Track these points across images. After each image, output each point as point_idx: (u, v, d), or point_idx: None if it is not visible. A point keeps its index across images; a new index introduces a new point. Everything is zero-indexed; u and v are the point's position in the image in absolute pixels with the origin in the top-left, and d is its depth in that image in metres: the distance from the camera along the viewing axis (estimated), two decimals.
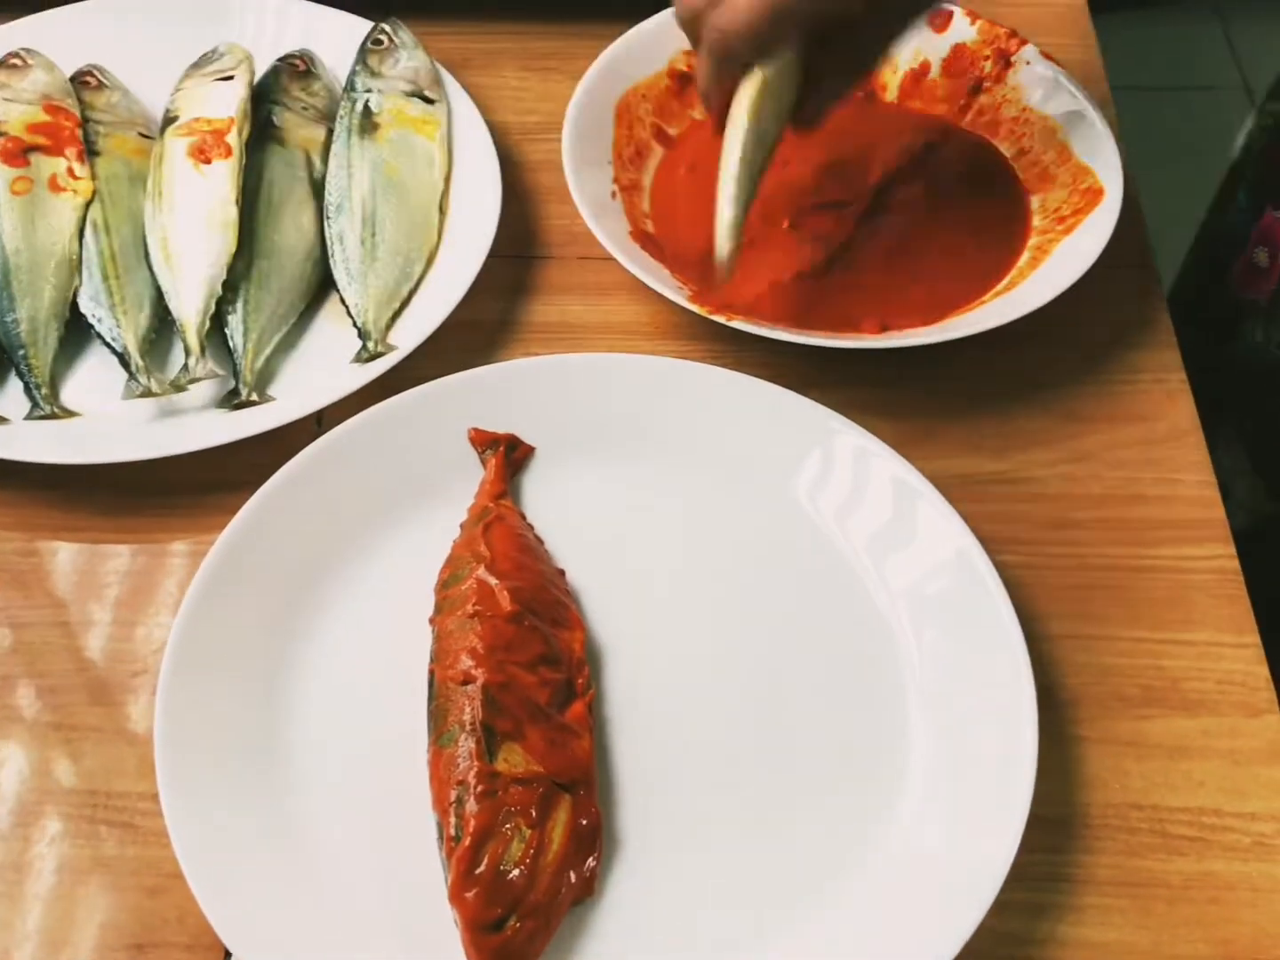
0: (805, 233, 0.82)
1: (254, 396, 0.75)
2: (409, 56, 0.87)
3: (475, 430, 0.73)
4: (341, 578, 0.70)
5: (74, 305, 0.78)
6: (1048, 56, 0.87)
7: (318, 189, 0.83)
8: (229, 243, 0.78)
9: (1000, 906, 0.58)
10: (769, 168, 0.75)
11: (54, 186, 0.81)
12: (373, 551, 0.71)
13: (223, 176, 0.80)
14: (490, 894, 0.57)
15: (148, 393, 0.74)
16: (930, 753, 0.64)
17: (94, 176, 0.82)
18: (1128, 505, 0.74)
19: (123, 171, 0.83)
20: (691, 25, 0.71)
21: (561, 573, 0.70)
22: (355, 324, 0.78)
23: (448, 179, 0.85)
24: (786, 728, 0.66)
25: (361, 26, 0.90)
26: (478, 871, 0.58)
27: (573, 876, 0.60)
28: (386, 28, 0.88)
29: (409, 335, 0.77)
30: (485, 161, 0.84)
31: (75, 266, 0.79)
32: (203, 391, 0.76)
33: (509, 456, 0.73)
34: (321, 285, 0.81)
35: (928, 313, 0.78)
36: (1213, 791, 0.65)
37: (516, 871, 0.58)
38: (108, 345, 0.77)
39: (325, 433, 0.71)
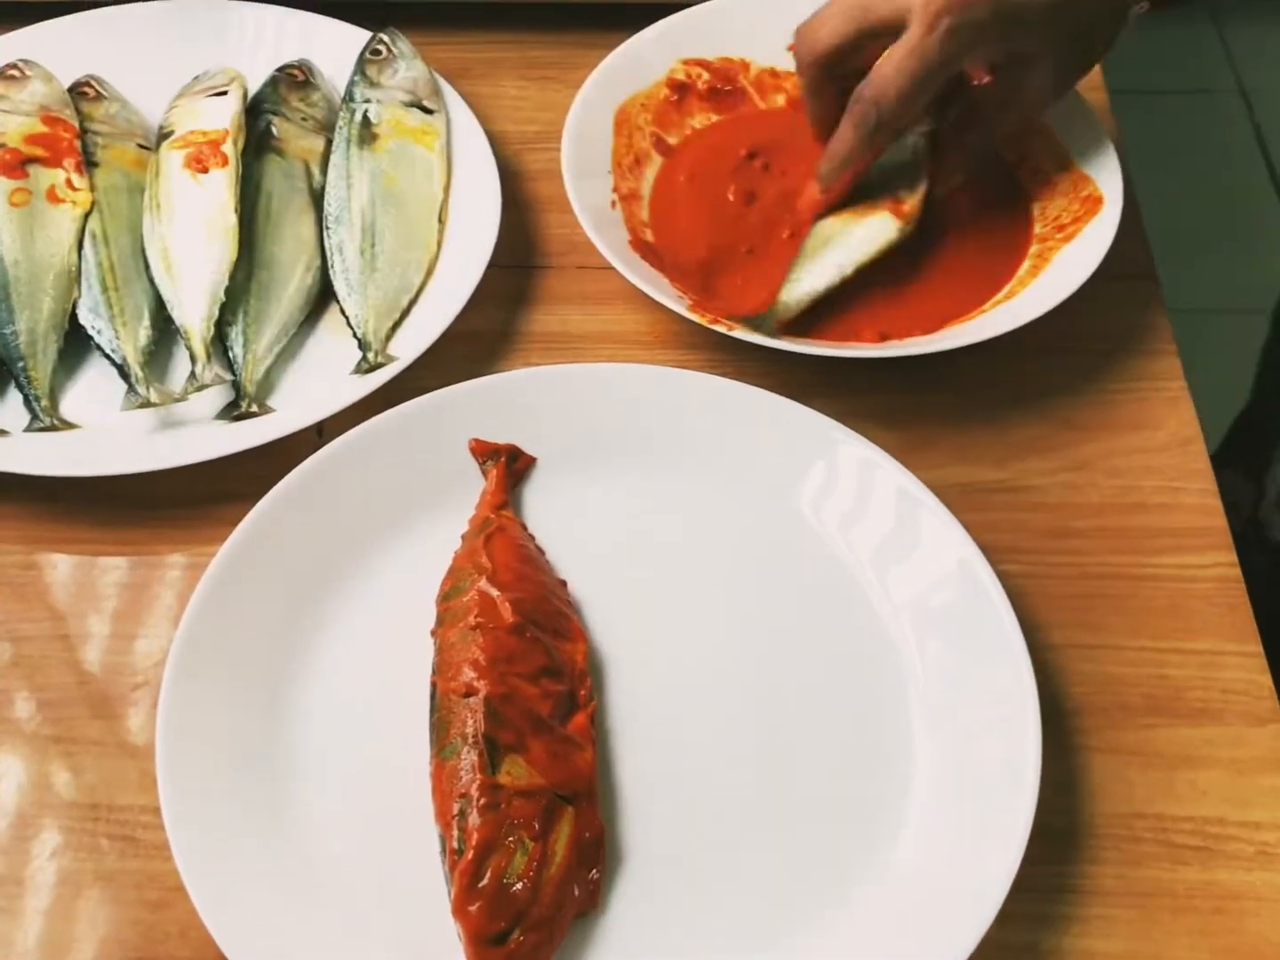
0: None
1: (254, 408, 0.75)
2: (407, 67, 0.87)
3: (476, 441, 0.73)
4: (343, 589, 0.69)
5: (73, 317, 0.78)
6: None
7: (317, 200, 0.83)
8: (229, 249, 0.78)
9: (1005, 917, 0.58)
10: None
11: (52, 198, 0.81)
12: (374, 563, 0.70)
13: (220, 185, 0.80)
14: (494, 907, 0.57)
15: (147, 404, 0.74)
16: (934, 764, 0.64)
17: (92, 188, 0.82)
18: (1128, 514, 0.74)
19: (121, 183, 0.83)
20: (820, 73, 0.77)
21: (563, 584, 0.70)
22: (355, 335, 0.78)
23: (447, 189, 0.85)
24: (789, 739, 0.66)
25: (360, 37, 0.90)
26: (481, 885, 0.58)
27: (576, 889, 0.60)
28: (385, 38, 0.88)
29: (409, 346, 0.77)
30: (484, 171, 0.84)
31: (74, 278, 0.79)
32: (203, 403, 0.76)
33: (510, 467, 0.73)
34: (321, 296, 0.81)
35: (928, 322, 0.78)
36: (1217, 801, 0.65)
37: (520, 884, 0.58)
38: (107, 357, 0.77)
39: (326, 444, 0.71)
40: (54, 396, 0.77)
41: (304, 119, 0.86)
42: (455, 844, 0.59)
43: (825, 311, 0.79)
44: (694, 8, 0.90)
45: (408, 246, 0.81)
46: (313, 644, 0.68)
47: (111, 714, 0.68)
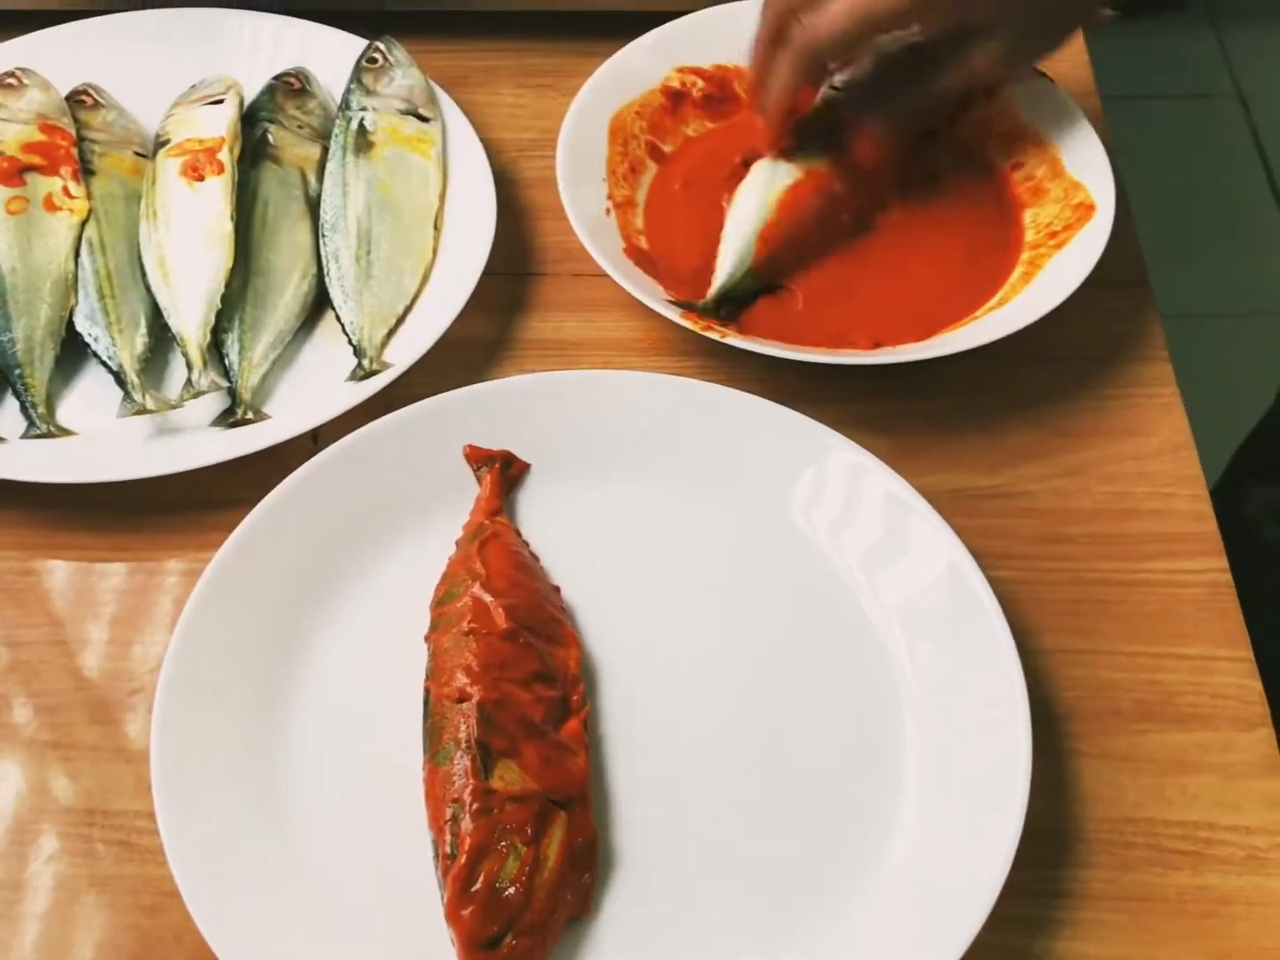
0: None
1: (250, 415, 0.75)
2: (404, 75, 0.87)
3: (470, 447, 0.73)
4: (337, 595, 0.70)
5: (70, 324, 0.79)
6: (1039, 71, 0.87)
7: (313, 207, 0.84)
8: (225, 257, 0.79)
9: (995, 921, 0.59)
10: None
11: (49, 206, 0.81)
12: (368, 569, 0.71)
13: (216, 192, 0.81)
14: (486, 912, 0.58)
15: (143, 410, 0.74)
16: (925, 767, 0.64)
17: (89, 196, 0.83)
18: (1120, 519, 0.74)
19: (118, 191, 0.83)
20: (779, 19, 0.76)
21: (557, 589, 0.70)
22: (350, 342, 0.78)
23: (443, 196, 0.85)
24: (781, 744, 0.66)
25: (356, 45, 0.90)
26: (474, 889, 0.58)
27: (569, 894, 0.60)
28: (381, 46, 0.89)
29: (404, 353, 0.77)
30: (480, 179, 0.84)
31: (71, 286, 0.79)
32: (199, 410, 0.76)
33: (504, 473, 0.73)
34: (317, 303, 0.81)
35: (920, 328, 0.78)
36: (1207, 805, 0.65)
37: (512, 889, 0.58)
38: (104, 364, 0.77)
39: (321, 450, 0.72)
40: (51, 403, 0.77)
41: (300, 127, 0.86)
42: (448, 849, 0.59)
43: (818, 318, 0.79)
44: (689, 16, 0.91)
45: (403, 254, 0.81)
46: (307, 649, 0.68)
47: (108, 719, 0.69)
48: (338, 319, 0.79)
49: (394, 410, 0.73)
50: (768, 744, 0.66)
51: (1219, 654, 0.70)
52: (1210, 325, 1.93)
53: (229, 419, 0.76)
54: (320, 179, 0.85)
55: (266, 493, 0.70)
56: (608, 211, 0.83)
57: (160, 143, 0.85)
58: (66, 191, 0.82)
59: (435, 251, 0.83)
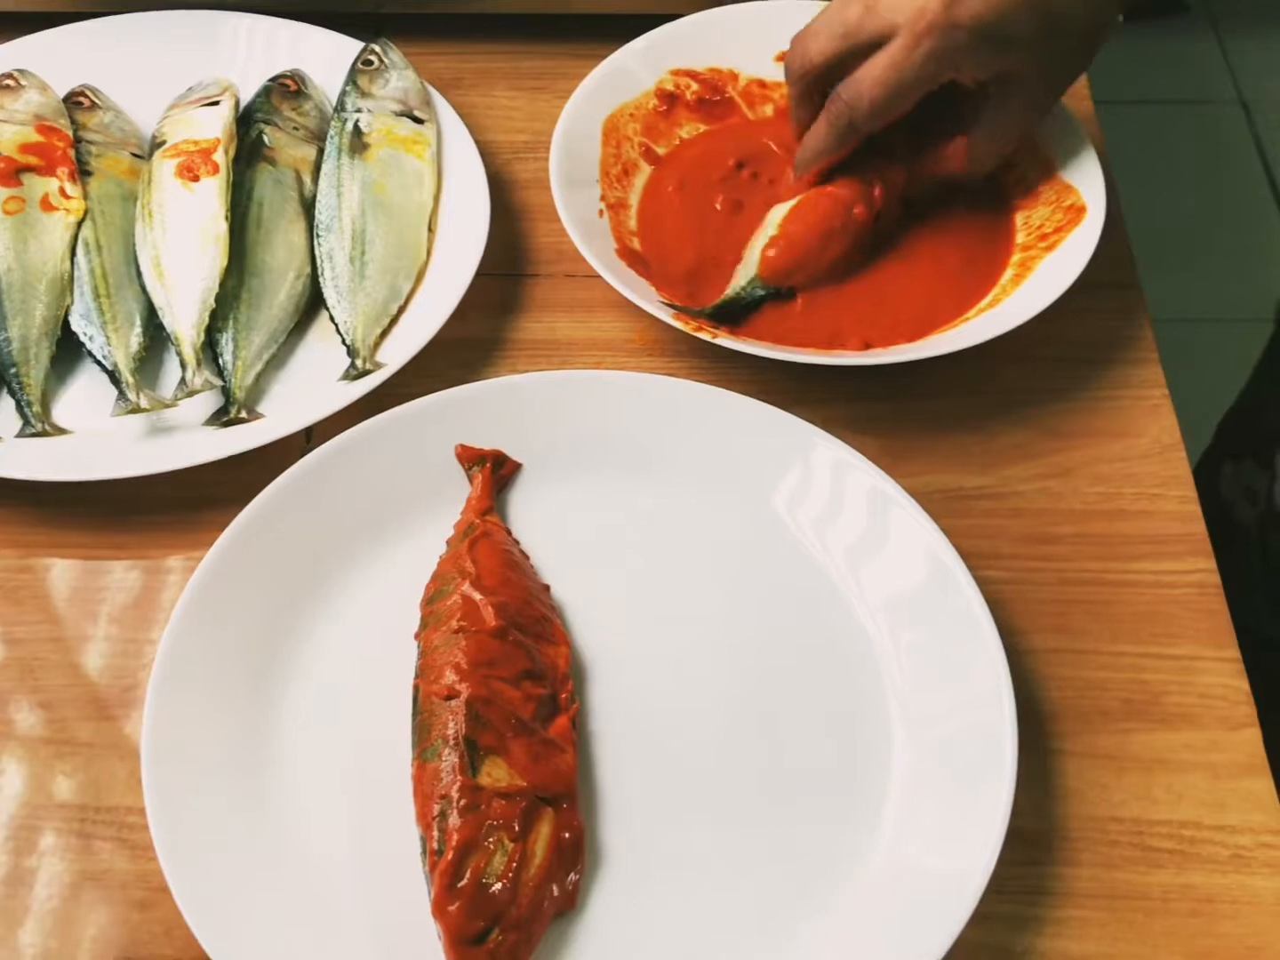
0: None
1: (243, 414, 0.76)
2: (399, 77, 0.88)
3: (462, 446, 0.74)
4: (329, 593, 0.70)
5: (65, 324, 0.79)
6: None
7: (308, 208, 0.84)
8: (220, 257, 0.79)
9: (980, 918, 0.59)
10: None
11: (46, 206, 0.82)
12: (360, 567, 0.71)
13: (211, 193, 0.81)
14: (472, 907, 0.58)
15: (137, 409, 0.75)
16: (911, 764, 0.65)
17: (86, 196, 0.83)
18: (1109, 520, 0.75)
19: (115, 191, 0.84)
20: (808, 87, 0.79)
21: (547, 588, 0.70)
22: (344, 341, 0.78)
23: (437, 198, 0.85)
24: (769, 742, 0.66)
25: (352, 47, 0.91)
26: (460, 885, 0.58)
27: (555, 890, 0.60)
28: (377, 48, 0.89)
29: (397, 353, 0.78)
30: (474, 180, 0.85)
31: (67, 285, 0.80)
32: (193, 409, 0.77)
33: (496, 472, 0.74)
34: (311, 303, 0.82)
35: (911, 330, 0.79)
36: (1192, 805, 0.66)
37: (499, 885, 0.59)
38: (98, 363, 0.78)
39: (314, 449, 0.72)
40: (46, 402, 0.78)
41: (296, 128, 0.87)
42: (435, 845, 0.60)
43: (810, 319, 0.80)
44: (683, 19, 0.91)
45: (397, 254, 0.82)
46: (298, 646, 0.68)
47: (101, 716, 0.69)
48: (331, 319, 0.80)
49: (387, 410, 0.74)
50: (755, 741, 0.66)
51: (1206, 654, 0.70)
52: (1204, 329, 1.94)
53: (223, 418, 0.76)
54: (316, 180, 0.85)
55: (260, 491, 0.70)
56: (600, 213, 0.83)
57: (156, 144, 0.85)
58: (63, 192, 0.83)
59: (429, 252, 0.83)
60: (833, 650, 0.68)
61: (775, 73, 0.90)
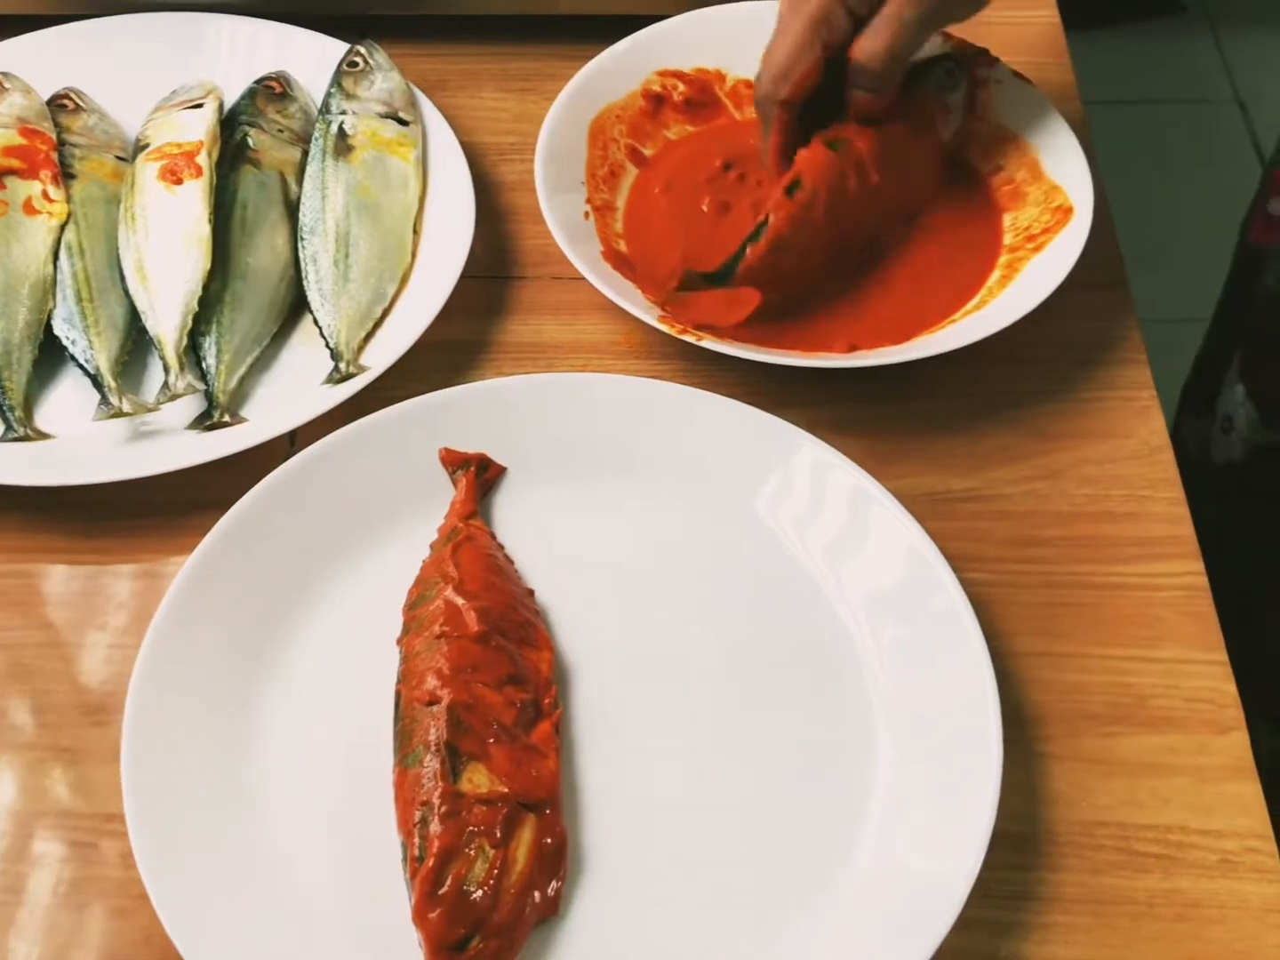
0: None
1: (226, 418, 0.76)
2: (384, 79, 0.88)
3: (446, 450, 0.73)
4: (312, 597, 0.70)
5: (48, 327, 0.79)
6: (1020, 75, 0.87)
7: (293, 211, 0.84)
8: (203, 260, 0.79)
9: (965, 924, 0.59)
10: None
11: (29, 209, 0.81)
12: (343, 572, 0.71)
13: (194, 196, 0.81)
14: (453, 914, 0.58)
15: (119, 413, 0.75)
16: (895, 769, 0.64)
17: (69, 199, 0.83)
18: (1096, 522, 0.74)
19: (98, 194, 0.84)
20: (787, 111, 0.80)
21: (530, 592, 0.70)
22: (328, 345, 0.78)
23: (422, 200, 0.85)
24: (753, 747, 0.66)
25: (338, 49, 0.90)
26: (441, 892, 0.58)
27: (537, 896, 0.60)
28: (362, 50, 0.89)
29: (381, 356, 0.77)
30: (459, 182, 0.85)
31: (49, 289, 0.80)
32: (176, 413, 0.76)
33: (480, 476, 0.73)
34: (295, 307, 0.81)
35: (897, 332, 0.78)
36: (1179, 809, 0.65)
37: (480, 892, 0.58)
38: (81, 367, 0.77)
39: (297, 453, 0.72)
40: (28, 407, 0.77)
41: (280, 130, 0.87)
42: (416, 851, 0.59)
43: (796, 321, 0.79)
44: (670, 20, 0.91)
45: (382, 257, 0.82)
46: (280, 652, 0.68)
47: (81, 723, 0.69)
48: (315, 322, 0.79)
49: (371, 413, 0.73)
50: (739, 747, 0.66)
51: (1193, 657, 0.70)
52: (1193, 329, 1.94)
53: (206, 422, 0.76)
54: (301, 183, 0.85)
55: (243, 495, 0.70)
56: (587, 215, 0.83)
57: (140, 147, 0.85)
58: (46, 195, 0.82)
59: (414, 255, 0.83)
60: (817, 653, 0.68)
61: None
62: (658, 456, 0.74)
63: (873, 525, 0.70)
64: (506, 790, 0.61)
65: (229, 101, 0.89)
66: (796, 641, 0.69)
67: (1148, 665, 0.69)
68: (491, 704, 0.63)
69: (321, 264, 0.81)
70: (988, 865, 0.59)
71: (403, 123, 0.87)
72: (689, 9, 0.91)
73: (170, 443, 0.75)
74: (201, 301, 0.78)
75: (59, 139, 0.86)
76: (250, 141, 0.85)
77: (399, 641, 0.67)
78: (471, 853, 0.59)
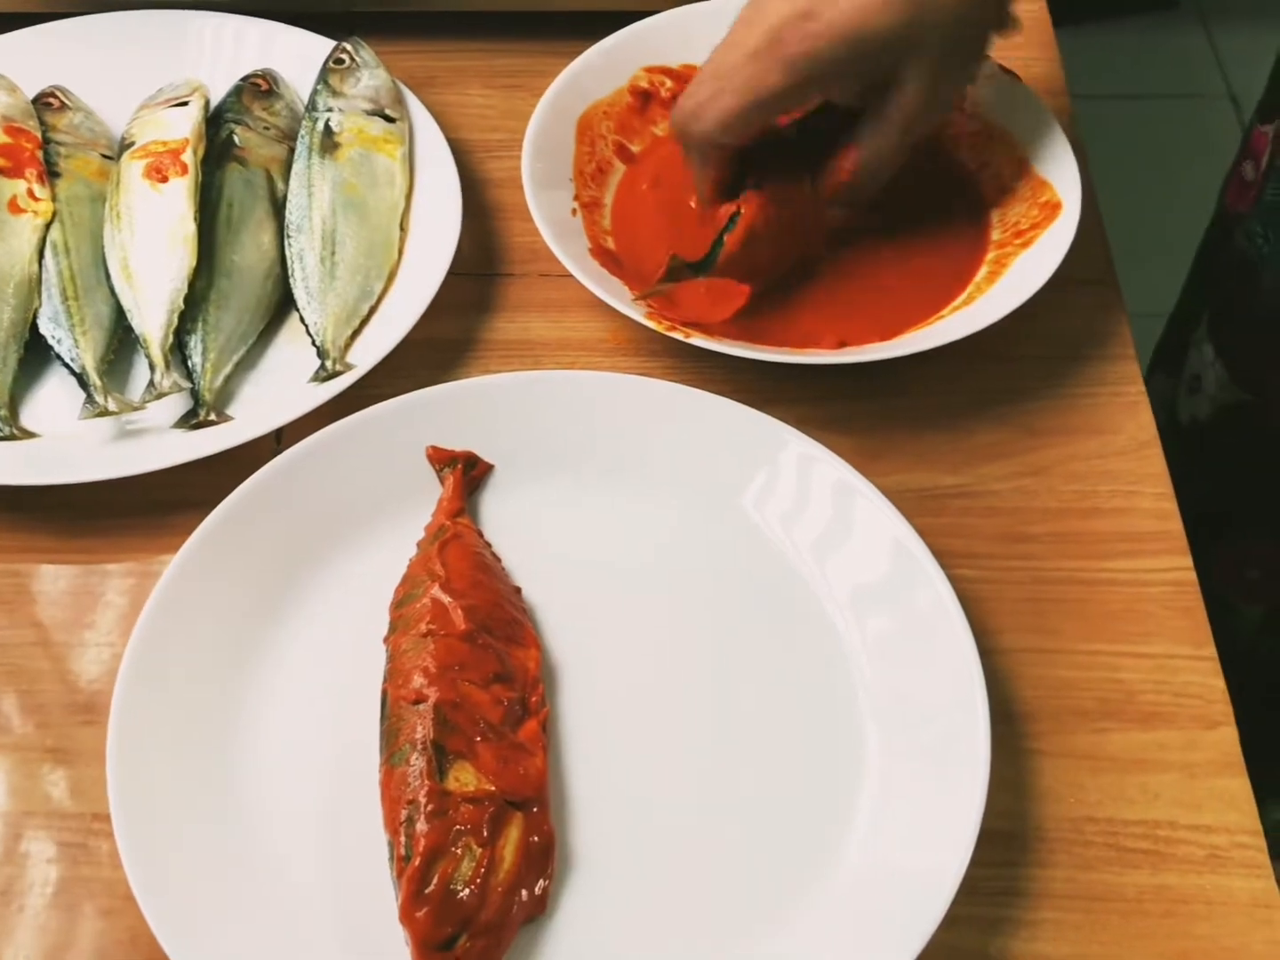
0: None
1: (212, 416, 0.75)
2: (370, 76, 0.87)
3: (433, 448, 0.73)
4: (298, 596, 0.70)
5: (34, 326, 0.79)
6: (1007, 70, 0.87)
7: (279, 208, 0.83)
8: (188, 258, 0.79)
9: (953, 920, 0.58)
10: None
11: (14, 208, 0.81)
12: (330, 570, 0.71)
13: (179, 194, 0.80)
14: (440, 913, 0.58)
15: (105, 412, 0.74)
16: (883, 766, 0.64)
17: (54, 198, 0.82)
18: (1084, 518, 0.74)
19: (83, 193, 0.83)
20: (681, 135, 0.77)
21: (518, 590, 0.70)
22: (314, 343, 0.78)
23: (409, 197, 0.85)
24: (741, 745, 0.66)
25: (324, 46, 0.90)
26: (427, 891, 0.58)
27: (524, 895, 0.60)
28: (348, 47, 0.89)
29: (368, 354, 0.77)
30: (446, 179, 0.84)
31: (35, 288, 0.79)
32: (161, 412, 0.76)
33: (467, 474, 0.73)
34: (281, 305, 0.81)
35: (886, 328, 0.78)
36: (1168, 804, 0.65)
37: (467, 890, 0.58)
38: (66, 366, 0.77)
39: (283, 451, 0.71)
40: (14, 406, 0.77)
41: (267, 128, 0.86)
42: (403, 850, 0.59)
43: (784, 318, 0.79)
44: (657, 16, 0.91)
45: (368, 254, 0.81)
46: (267, 651, 0.68)
47: (65, 722, 0.68)
48: (301, 320, 0.79)
49: (357, 411, 0.73)
50: (727, 746, 0.66)
51: (1182, 652, 0.70)
52: None
53: (192, 420, 0.75)
54: (287, 180, 0.85)
55: (229, 494, 0.70)
56: (574, 212, 0.83)
57: (125, 145, 0.85)
58: (31, 194, 0.82)
59: (401, 252, 0.83)
60: (805, 650, 0.68)
61: None
62: (645, 453, 0.73)
63: (858, 519, 0.70)
64: (493, 788, 0.60)
65: (215, 99, 0.88)
66: (784, 638, 0.69)
67: (1136, 661, 0.69)
68: (478, 702, 0.63)
69: (308, 262, 0.80)
70: (976, 862, 0.59)
71: (389, 120, 0.86)
72: (676, 5, 0.91)
73: (156, 441, 0.75)
74: (187, 300, 0.78)
75: (44, 137, 0.85)
76: (236, 139, 0.85)
77: (386, 640, 0.67)
78: (458, 851, 0.59)
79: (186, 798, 0.63)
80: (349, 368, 0.76)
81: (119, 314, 0.79)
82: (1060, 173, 0.82)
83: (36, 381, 0.79)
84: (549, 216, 0.80)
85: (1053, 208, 0.81)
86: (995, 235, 0.83)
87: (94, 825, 0.65)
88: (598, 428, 0.74)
